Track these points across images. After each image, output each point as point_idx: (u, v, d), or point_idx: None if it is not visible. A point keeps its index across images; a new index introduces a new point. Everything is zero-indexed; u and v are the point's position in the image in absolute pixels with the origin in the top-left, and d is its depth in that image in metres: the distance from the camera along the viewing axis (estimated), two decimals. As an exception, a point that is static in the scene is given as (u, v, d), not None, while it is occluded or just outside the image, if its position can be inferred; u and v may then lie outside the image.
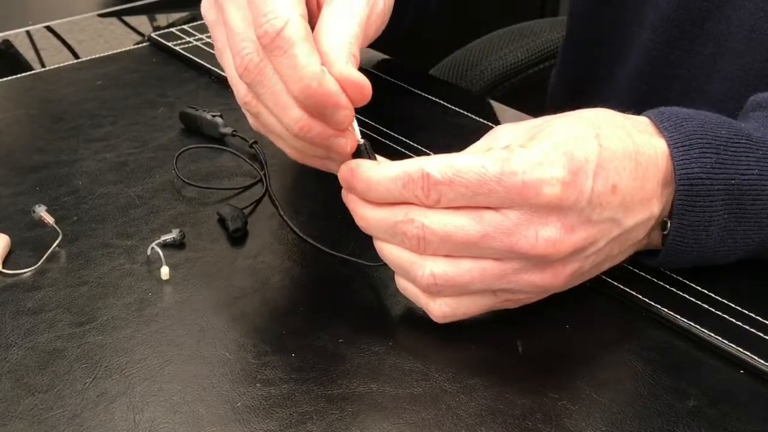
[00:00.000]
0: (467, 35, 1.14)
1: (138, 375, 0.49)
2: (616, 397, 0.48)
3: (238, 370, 0.49)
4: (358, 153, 0.52)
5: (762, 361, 0.49)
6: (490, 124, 0.73)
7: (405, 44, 0.92)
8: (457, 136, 0.73)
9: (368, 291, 0.56)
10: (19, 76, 0.84)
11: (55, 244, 0.59)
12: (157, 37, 0.89)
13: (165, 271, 0.57)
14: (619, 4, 0.79)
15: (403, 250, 0.50)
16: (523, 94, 1.06)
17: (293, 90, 0.48)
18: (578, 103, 0.54)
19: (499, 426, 0.46)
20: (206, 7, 0.57)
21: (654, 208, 0.51)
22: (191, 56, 0.85)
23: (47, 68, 0.86)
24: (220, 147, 0.70)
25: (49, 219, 0.60)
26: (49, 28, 1.05)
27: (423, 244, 0.49)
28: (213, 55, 0.85)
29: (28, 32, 1.04)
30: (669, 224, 0.52)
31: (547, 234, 0.47)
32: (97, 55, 0.88)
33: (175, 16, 1.14)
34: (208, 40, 0.88)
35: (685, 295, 0.54)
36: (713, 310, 0.53)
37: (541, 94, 0.96)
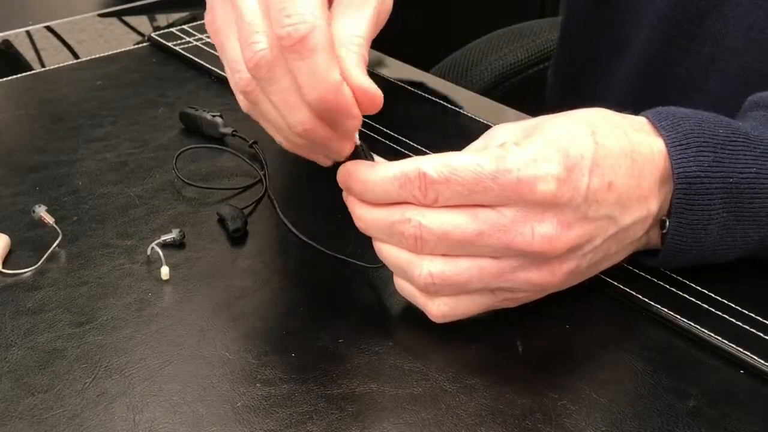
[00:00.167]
0: (467, 35, 1.14)
1: (138, 375, 0.49)
2: (616, 397, 0.48)
3: (238, 370, 0.49)
4: (355, 154, 0.52)
5: (762, 361, 0.49)
6: (489, 123, 0.73)
7: (405, 44, 0.92)
8: (457, 136, 0.73)
9: (368, 291, 0.56)
10: (19, 76, 0.84)
11: (55, 244, 0.59)
12: (157, 37, 0.89)
13: (165, 271, 0.57)
14: (616, 4, 0.79)
15: (401, 250, 0.50)
16: (523, 94, 1.06)
17: (308, 96, 0.47)
18: (575, 104, 0.54)
19: (499, 426, 0.46)
20: None
21: (651, 206, 0.52)
22: (191, 56, 0.85)
23: (47, 68, 0.86)
24: (220, 147, 0.71)
25: (49, 219, 0.60)
26: (49, 28, 1.05)
27: (420, 244, 0.49)
28: (213, 55, 0.85)
29: (28, 32, 1.04)
30: (668, 223, 0.52)
31: (543, 231, 0.48)
32: (97, 55, 0.88)
33: (175, 16, 1.14)
34: (208, 40, 0.88)
35: (685, 295, 0.54)
36: (713, 310, 0.53)
37: (540, 94, 0.96)
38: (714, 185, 0.51)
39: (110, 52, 0.88)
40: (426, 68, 0.95)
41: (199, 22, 0.93)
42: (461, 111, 0.76)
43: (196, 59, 0.85)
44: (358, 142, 0.52)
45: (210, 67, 0.83)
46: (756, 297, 0.53)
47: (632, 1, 0.77)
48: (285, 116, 0.49)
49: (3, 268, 0.57)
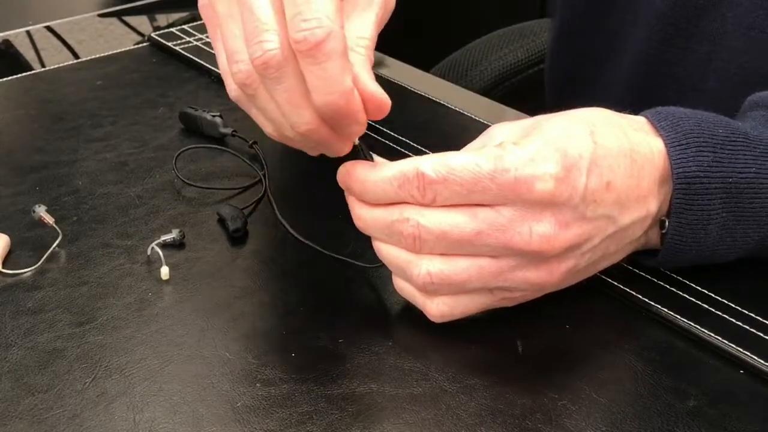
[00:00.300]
0: (467, 35, 1.14)
1: (138, 375, 0.49)
2: (616, 397, 0.48)
3: (238, 370, 0.49)
4: (354, 153, 0.52)
5: (762, 361, 0.49)
6: (489, 124, 0.73)
7: (405, 44, 0.92)
8: (457, 136, 0.73)
9: (368, 291, 0.56)
10: (19, 76, 0.84)
11: (55, 244, 0.59)
12: (157, 37, 0.89)
13: (165, 271, 0.57)
14: (612, 2, 0.79)
15: (400, 249, 0.50)
16: (523, 94, 1.06)
17: (317, 99, 0.47)
18: (573, 103, 0.54)
19: (499, 426, 0.46)
20: None
21: (650, 206, 0.52)
22: (191, 56, 0.85)
23: (47, 68, 0.86)
24: (220, 147, 0.71)
25: (49, 219, 0.60)
26: (49, 28, 1.05)
27: (419, 243, 0.49)
28: (213, 55, 0.85)
29: (28, 32, 1.04)
30: (667, 223, 0.52)
31: (541, 230, 0.48)
32: (97, 55, 0.88)
33: (175, 16, 1.14)
34: (208, 40, 0.88)
35: (685, 295, 0.54)
36: (713, 310, 0.53)
37: (540, 94, 0.96)
38: (713, 185, 0.51)
39: (110, 52, 0.88)
40: (426, 68, 0.95)
41: (199, 22, 0.93)
42: (461, 111, 0.76)
43: (196, 59, 0.85)
44: (357, 141, 0.52)
45: (210, 67, 0.83)
46: (756, 297, 0.53)
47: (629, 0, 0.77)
48: (287, 115, 0.49)
49: (3, 268, 0.57)
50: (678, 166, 0.51)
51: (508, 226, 0.47)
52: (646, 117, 0.54)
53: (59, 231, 0.59)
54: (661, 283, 0.55)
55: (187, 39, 0.89)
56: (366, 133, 0.51)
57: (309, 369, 0.49)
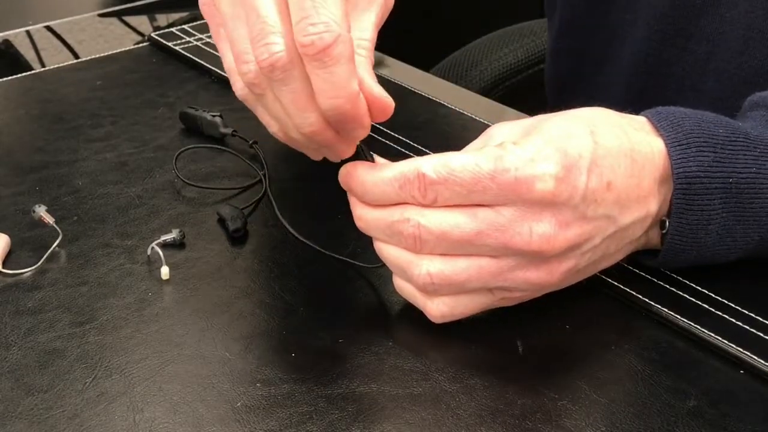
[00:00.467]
0: (467, 35, 1.14)
1: (138, 375, 0.49)
2: (616, 397, 0.48)
3: (238, 370, 0.49)
4: (355, 154, 0.52)
5: (762, 361, 0.49)
6: (489, 124, 0.73)
7: (405, 44, 0.92)
8: (457, 136, 0.73)
9: (368, 291, 0.56)
10: (19, 76, 0.84)
11: (55, 244, 0.59)
12: (157, 37, 0.89)
13: (165, 271, 0.57)
14: (612, 2, 0.79)
15: (401, 249, 0.50)
16: (523, 94, 1.06)
17: (323, 103, 0.47)
18: (572, 103, 0.54)
19: (499, 426, 0.46)
20: None
21: (651, 205, 0.52)
22: (191, 56, 0.85)
23: (47, 68, 0.86)
24: (220, 147, 0.71)
25: (49, 219, 0.60)
26: (49, 28, 1.05)
27: (419, 243, 0.49)
28: (213, 55, 0.85)
29: (28, 32, 1.04)
30: (667, 223, 0.52)
31: (541, 230, 0.48)
32: (97, 55, 0.88)
33: (175, 16, 1.14)
34: (208, 40, 0.89)
35: (685, 295, 0.54)
36: (713, 310, 0.53)
37: (540, 94, 0.96)
38: (714, 185, 0.51)
39: (110, 52, 0.88)
40: (426, 68, 0.96)
41: (199, 22, 0.93)
42: (461, 111, 0.76)
43: (196, 59, 0.85)
44: (358, 142, 0.52)
45: (210, 67, 0.83)
46: (756, 297, 0.53)
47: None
48: (292, 116, 0.49)
49: (3, 268, 0.57)
50: (678, 166, 0.51)
51: (508, 226, 0.47)
52: (647, 117, 0.54)
53: (59, 231, 0.59)
54: (661, 283, 0.55)
55: (187, 39, 0.89)
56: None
57: (309, 369, 0.49)
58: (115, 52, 0.89)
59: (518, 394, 0.48)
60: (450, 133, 0.74)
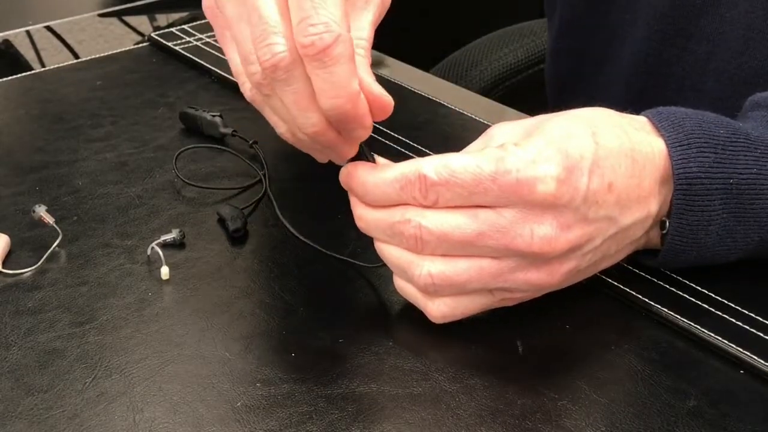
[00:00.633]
0: (467, 35, 1.14)
1: (138, 375, 0.49)
2: (616, 397, 0.48)
3: (238, 370, 0.49)
4: (356, 154, 0.52)
5: (762, 361, 0.49)
6: (489, 124, 0.73)
7: (405, 44, 0.92)
8: (457, 136, 0.73)
9: (368, 291, 0.56)
10: (19, 76, 0.84)
11: (55, 244, 0.59)
12: (157, 37, 0.89)
13: (165, 271, 0.57)
14: (612, 2, 0.79)
15: (402, 250, 0.50)
16: (523, 94, 1.06)
17: (323, 103, 0.47)
18: (572, 103, 0.54)
19: (499, 426, 0.46)
20: None
21: (651, 206, 0.52)
22: (191, 56, 0.85)
23: (47, 68, 0.86)
24: (220, 147, 0.71)
25: (49, 219, 0.60)
26: (49, 28, 1.05)
27: (420, 244, 0.49)
28: (213, 55, 0.85)
29: (28, 32, 1.04)
30: (668, 224, 0.52)
31: (542, 232, 0.48)
32: (97, 55, 0.88)
33: (175, 16, 1.14)
34: (208, 39, 0.89)
35: (685, 295, 0.54)
36: (713, 310, 0.53)
37: (541, 94, 0.96)
38: (714, 186, 0.51)
39: (110, 52, 0.88)
40: (426, 68, 0.96)
41: (199, 22, 0.93)
42: (461, 111, 0.76)
43: (196, 59, 0.85)
44: (360, 142, 0.52)
45: (210, 67, 0.83)
46: (756, 297, 0.53)
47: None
48: (295, 117, 0.49)
49: (3, 268, 0.57)
50: (679, 166, 0.51)
51: (510, 227, 0.47)
52: (647, 117, 0.54)
53: (59, 231, 0.59)
54: (661, 283, 0.55)
55: (187, 39, 0.89)
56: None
57: (309, 369, 0.49)
58: (115, 52, 0.89)
59: (518, 394, 0.48)
60: (450, 133, 0.74)
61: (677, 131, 0.52)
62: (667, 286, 0.54)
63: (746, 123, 0.56)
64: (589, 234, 0.49)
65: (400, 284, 0.52)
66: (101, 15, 1.12)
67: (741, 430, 0.46)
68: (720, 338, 0.50)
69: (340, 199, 0.53)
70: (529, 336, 0.52)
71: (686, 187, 0.51)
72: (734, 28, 0.70)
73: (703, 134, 0.52)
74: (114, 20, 1.13)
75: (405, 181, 0.48)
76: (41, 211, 0.60)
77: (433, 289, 0.50)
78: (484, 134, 0.54)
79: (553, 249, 0.48)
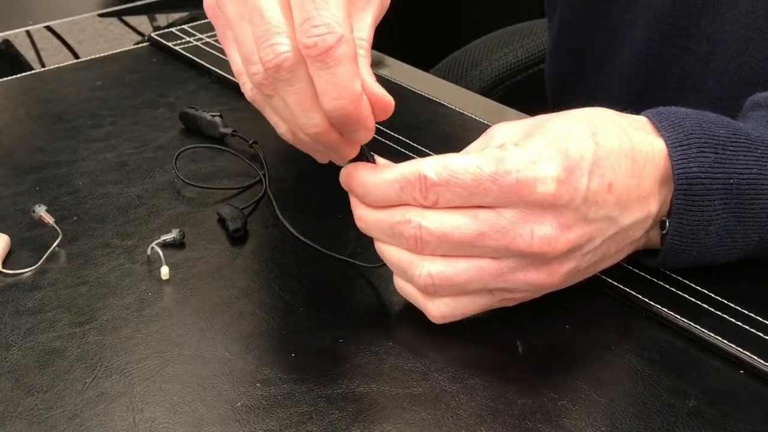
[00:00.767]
0: (467, 35, 1.14)
1: (138, 375, 0.49)
2: (616, 397, 0.48)
3: (238, 370, 0.49)
4: (357, 155, 0.52)
5: (762, 361, 0.49)
6: (489, 124, 0.73)
7: (405, 44, 0.92)
8: (457, 136, 0.73)
9: (368, 291, 0.56)
10: (19, 76, 0.84)
11: (55, 244, 0.59)
12: (157, 37, 0.89)
13: (165, 271, 0.57)
14: (612, 2, 0.79)
15: (402, 250, 0.50)
16: (523, 94, 1.06)
17: (326, 103, 0.47)
18: (572, 103, 0.54)
19: (499, 426, 0.46)
20: None
21: (651, 206, 0.52)
22: (191, 56, 0.85)
23: (47, 68, 0.86)
24: (220, 147, 0.71)
25: (49, 219, 0.60)
26: (49, 28, 1.05)
27: (420, 245, 0.49)
28: (213, 55, 0.85)
29: (28, 32, 1.04)
30: (668, 224, 0.52)
31: (542, 232, 0.48)
32: (97, 55, 0.88)
33: (175, 16, 1.14)
34: (209, 39, 0.89)
35: (685, 295, 0.54)
36: (713, 310, 0.53)
37: (540, 94, 0.96)
38: (714, 186, 0.51)
39: (110, 52, 0.88)
40: (426, 68, 0.96)
41: (199, 22, 0.93)
42: (461, 111, 0.76)
43: (196, 59, 0.85)
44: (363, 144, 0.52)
45: (210, 67, 0.83)
46: (756, 297, 0.53)
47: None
48: (297, 117, 0.49)
49: (3, 268, 0.57)
50: (679, 166, 0.51)
51: (510, 228, 0.47)
52: (647, 117, 0.54)
53: (59, 231, 0.59)
54: (661, 283, 0.55)
55: (187, 39, 0.89)
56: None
57: (309, 369, 0.49)
58: (115, 52, 0.89)
59: (518, 394, 0.48)
60: (450, 133, 0.74)
61: (677, 131, 0.52)
62: (667, 286, 0.54)
63: (746, 123, 0.56)
64: (589, 234, 0.49)
65: (400, 284, 0.52)
66: (101, 15, 1.12)
67: (741, 430, 0.46)
68: (720, 338, 0.50)
69: (340, 199, 0.53)
70: (529, 336, 0.52)
71: (686, 187, 0.51)
72: (734, 28, 0.70)
73: (704, 134, 0.52)
74: (114, 20, 1.13)
75: (405, 182, 0.48)
76: (41, 211, 0.60)
77: (433, 290, 0.50)
78: (484, 134, 0.54)
79: (553, 249, 0.48)
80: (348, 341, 0.51)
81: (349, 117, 0.48)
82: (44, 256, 0.58)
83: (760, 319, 0.52)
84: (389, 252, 0.51)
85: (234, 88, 0.78)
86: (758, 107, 0.58)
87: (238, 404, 0.47)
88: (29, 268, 0.57)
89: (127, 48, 0.90)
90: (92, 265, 0.58)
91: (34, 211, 0.60)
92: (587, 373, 0.49)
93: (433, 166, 0.48)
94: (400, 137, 0.71)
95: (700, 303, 0.53)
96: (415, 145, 0.70)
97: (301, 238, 0.59)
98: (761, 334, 0.51)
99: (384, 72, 0.85)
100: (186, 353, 0.51)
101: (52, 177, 0.67)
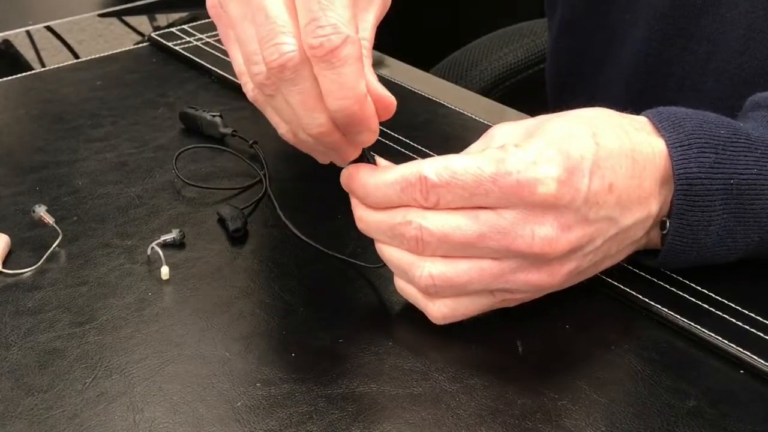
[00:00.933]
0: (467, 35, 1.14)
1: (138, 375, 0.49)
2: (616, 397, 0.48)
3: (238, 370, 0.49)
4: (358, 156, 0.52)
5: (762, 361, 0.49)
6: (489, 124, 0.73)
7: (405, 44, 0.92)
8: (457, 136, 0.73)
9: (368, 291, 0.56)
10: (19, 76, 0.84)
11: (55, 244, 0.59)
12: (157, 37, 0.89)
13: (165, 271, 0.57)
14: (612, 2, 0.79)
15: (402, 251, 0.50)
16: (523, 94, 1.06)
17: (330, 104, 0.47)
18: (572, 103, 0.54)
19: (499, 426, 0.46)
20: None
21: (652, 206, 0.52)
22: (191, 56, 0.85)
23: (47, 68, 0.86)
24: (220, 147, 0.71)
25: (49, 219, 0.60)
26: (49, 28, 1.05)
27: (421, 245, 0.49)
28: (213, 55, 0.85)
29: (28, 32, 1.04)
30: (668, 224, 0.52)
31: (543, 233, 0.48)
32: (97, 55, 0.88)
33: (175, 16, 1.14)
34: (209, 39, 0.88)
35: (685, 295, 0.54)
36: (713, 310, 0.53)
37: (541, 94, 0.96)
38: (715, 187, 0.51)
39: (110, 52, 0.88)
40: (426, 68, 0.96)
41: (199, 22, 0.93)
42: (461, 111, 0.76)
43: (196, 59, 0.85)
44: (367, 147, 0.52)
45: (210, 67, 0.83)
46: (756, 297, 0.53)
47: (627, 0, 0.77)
48: (300, 117, 0.49)
49: (3, 268, 0.57)
50: (679, 166, 0.51)
51: (510, 228, 0.47)
52: (648, 117, 0.54)
53: (59, 231, 0.59)
54: (661, 283, 0.55)
55: (187, 39, 0.89)
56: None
57: (309, 369, 0.49)
58: (115, 52, 0.89)
59: (518, 394, 0.48)
60: (450, 133, 0.74)
61: (678, 131, 0.52)
62: (667, 286, 0.54)
63: (747, 123, 0.56)
64: (590, 234, 0.49)
65: (401, 285, 0.52)
66: (101, 15, 1.12)
67: (741, 430, 0.46)
68: (720, 338, 0.50)
69: (341, 199, 0.53)
70: (529, 336, 0.52)
71: (687, 187, 0.51)
72: (735, 28, 0.70)
73: (704, 134, 0.52)
74: (114, 20, 1.13)
75: (406, 183, 0.48)
76: (41, 211, 0.60)
77: (433, 290, 0.50)
78: (485, 135, 0.54)
79: (554, 250, 0.48)
80: (348, 341, 0.51)
81: (354, 117, 0.48)
82: (44, 256, 0.58)
83: (760, 319, 0.52)
84: (390, 253, 0.51)
85: (234, 88, 0.78)
86: (758, 107, 0.58)
87: (238, 404, 0.47)
88: (29, 268, 0.57)
89: (127, 48, 0.90)
90: (92, 265, 0.58)
91: (34, 211, 0.60)
92: (587, 373, 0.49)
93: (434, 167, 0.48)
94: (400, 137, 0.71)
95: (700, 303, 0.53)
96: (415, 145, 0.70)
97: (302, 237, 0.59)
98: (761, 334, 0.51)
99: (384, 72, 0.85)
100: (186, 353, 0.51)
101: (52, 177, 0.67)
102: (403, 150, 0.69)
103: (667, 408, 0.47)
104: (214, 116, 0.72)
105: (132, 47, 0.91)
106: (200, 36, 0.90)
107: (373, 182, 0.50)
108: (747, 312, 0.52)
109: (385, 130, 0.72)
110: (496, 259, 0.49)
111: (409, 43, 1.04)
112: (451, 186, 0.47)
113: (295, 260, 0.58)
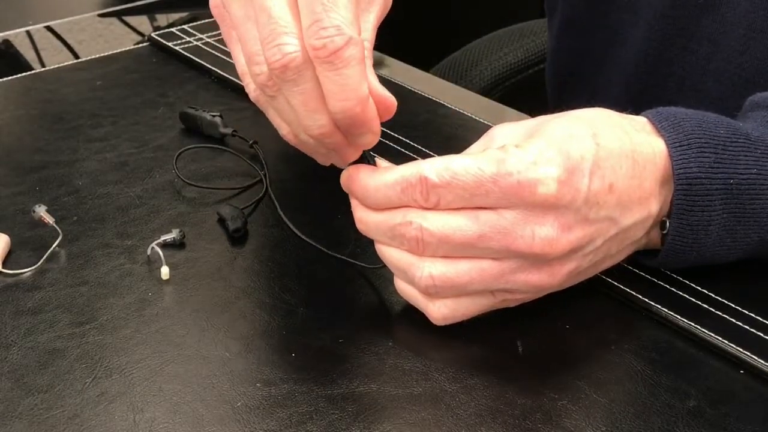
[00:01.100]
0: (467, 35, 1.14)
1: (138, 375, 0.49)
2: (616, 397, 0.48)
3: (238, 370, 0.49)
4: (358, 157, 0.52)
5: (762, 361, 0.49)
6: (489, 124, 0.73)
7: (405, 44, 0.92)
8: (457, 136, 0.73)
9: (368, 291, 0.56)
10: (19, 76, 0.84)
11: (55, 244, 0.59)
12: (157, 37, 0.89)
13: (165, 271, 0.57)
14: (612, 2, 0.79)
15: (403, 252, 0.50)
16: (523, 94, 1.06)
17: (332, 105, 0.47)
18: (572, 103, 0.54)
19: (499, 426, 0.46)
20: None
21: (652, 207, 0.52)
22: (191, 56, 0.85)
23: (47, 68, 0.86)
24: (220, 147, 0.71)
25: (49, 219, 0.60)
26: (49, 28, 1.05)
27: (421, 246, 0.49)
28: (213, 55, 0.85)
29: (28, 32, 1.04)
30: (668, 224, 0.52)
31: (543, 233, 0.48)
32: (97, 55, 0.88)
33: (175, 16, 1.14)
34: (209, 40, 0.88)
35: (685, 295, 0.54)
36: (713, 310, 0.53)
37: (541, 94, 0.96)
38: (714, 187, 0.51)
39: (110, 52, 0.88)
40: (426, 68, 0.96)
41: (199, 22, 0.93)
42: (461, 111, 0.76)
43: (196, 59, 0.85)
44: (368, 149, 0.52)
45: (210, 67, 0.83)
46: (756, 297, 0.53)
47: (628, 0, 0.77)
48: (302, 118, 0.49)
49: (3, 268, 0.57)
50: (679, 166, 0.51)
51: (511, 229, 0.47)
52: (648, 117, 0.54)
53: (59, 231, 0.59)
54: (661, 283, 0.55)
55: (187, 39, 0.89)
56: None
57: (309, 369, 0.49)
58: (115, 52, 0.89)
59: (518, 394, 0.48)
60: (450, 133, 0.74)
61: (677, 131, 0.52)
62: (667, 286, 0.54)
63: (746, 123, 0.56)
64: (590, 235, 0.49)
65: (401, 286, 0.52)
66: (101, 15, 1.12)
67: (741, 430, 0.46)
68: (720, 338, 0.50)
69: (341, 199, 0.53)
70: (529, 336, 0.52)
71: (686, 187, 0.51)
72: (735, 28, 0.70)
73: (704, 134, 0.52)
74: (114, 20, 1.13)
75: (406, 184, 0.48)
76: (41, 211, 0.60)
77: (434, 291, 0.50)
78: (485, 135, 0.54)
79: (554, 250, 0.48)
80: (348, 341, 0.51)
81: (356, 119, 0.48)
82: (44, 256, 0.58)
83: (760, 319, 0.52)
84: (390, 254, 0.51)
85: (234, 88, 0.78)
86: (758, 107, 0.58)
87: (238, 404, 0.47)
88: (29, 268, 0.57)
89: (127, 48, 0.90)
90: (92, 265, 0.58)
91: (34, 211, 0.60)
92: (587, 373, 0.49)
93: (434, 167, 0.48)
94: (400, 137, 0.71)
95: (700, 303, 0.53)
96: (415, 145, 0.70)
97: (303, 237, 0.59)
98: (761, 334, 0.51)
99: (384, 72, 0.85)
100: (186, 353, 0.51)
101: (52, 177, 0.67)
102: (403, 150, 0.69)
103: (667, 408, 0.47)
104: (214, 116, 0.72)
105: (132, 47, 0.91)
106: (200, 36, 0.90)
107: (373, 183, 0.50)
108: (747, 312, 0.52)
109: (385, 130, 0.72)
110: (496, 259, 0.49)
111: (409, 43, 1.04)
112: (452, 186, 0.47)
113: (295, 260, 0.58)
